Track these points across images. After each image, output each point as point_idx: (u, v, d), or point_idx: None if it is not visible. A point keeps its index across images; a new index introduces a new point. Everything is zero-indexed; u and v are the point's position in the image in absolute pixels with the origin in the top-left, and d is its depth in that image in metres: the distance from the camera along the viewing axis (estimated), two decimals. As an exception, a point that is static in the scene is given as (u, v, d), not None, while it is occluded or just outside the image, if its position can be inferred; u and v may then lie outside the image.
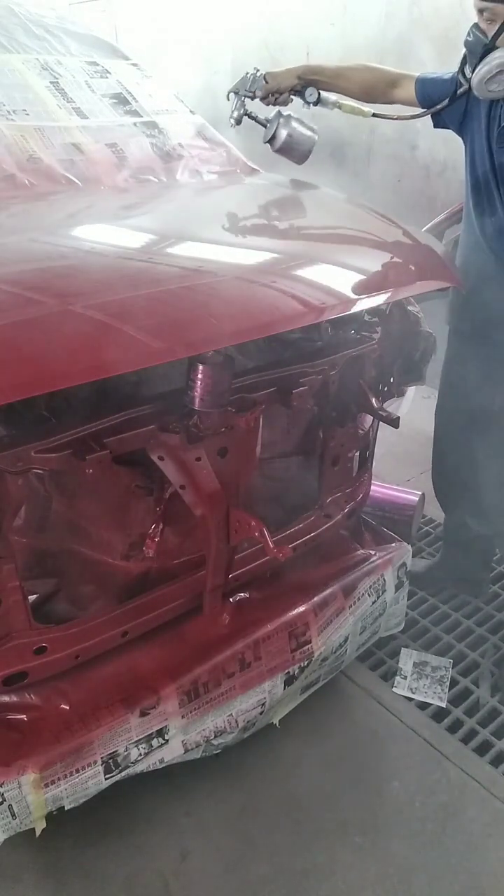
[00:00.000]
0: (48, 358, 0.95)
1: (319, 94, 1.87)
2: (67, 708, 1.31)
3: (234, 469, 1.33)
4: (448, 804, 1.65)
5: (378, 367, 1.67)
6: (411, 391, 1.91)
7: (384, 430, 1.74)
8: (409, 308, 1.75)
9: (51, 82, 1.85)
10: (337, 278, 1.32)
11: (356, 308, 1.29)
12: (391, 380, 1.77)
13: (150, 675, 1.39)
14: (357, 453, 1.73)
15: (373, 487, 1.94)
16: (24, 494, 1.16)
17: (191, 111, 2.12)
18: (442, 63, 3.18)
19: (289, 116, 1.89)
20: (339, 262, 1.40)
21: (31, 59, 1.89)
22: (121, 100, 1.96)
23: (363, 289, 1.30)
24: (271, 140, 1.90)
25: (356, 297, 1.26)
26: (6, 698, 1.30)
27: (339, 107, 1.88)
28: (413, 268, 1.46)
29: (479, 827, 1.60)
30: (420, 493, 2.56)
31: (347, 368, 1.54)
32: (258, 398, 1.34)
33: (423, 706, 1.88)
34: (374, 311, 1.62)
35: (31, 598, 1.28)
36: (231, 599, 1.56)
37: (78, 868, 1.51)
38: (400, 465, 2.94)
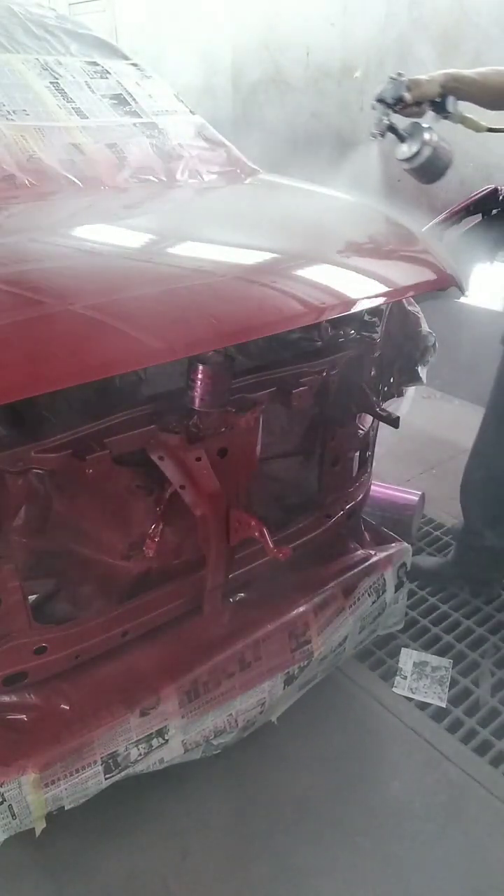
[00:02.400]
0: (48, 358, 0.95)
1: (457, 105, 1.69)
2: (67, 708, 1.31)
3: (234, 469, 1.33)
4: (448, 804, 1.65)
5: (378, 367, 1.67)
6: (411, 391, 1.91)
7: (384, 430, 1.74)
8: (409, 308, 1.75)
9: (51, 82, 1.85)
10: (337, 278, 1.32)
11: (356, 308, 1.29)
12: (391, 380, 1.77)
13: (150, 675, 1.39)
14: (357, 453, 1.74)
15: (373, 487, 1.94)
16: (24, 494, 1.16)
17: (191, 111, 2.12)
18: (442, 63, 3.18)
19: (431, 131, 1.71)
20: (339, 262, 1.40)
21: (31, 59, 1.89)
22: (121, 100, 1.96)
23: (363, 289, 1.29)
24: (413, 157, 1.71)
25: (356, 297, 1.26)
26: (6, 698, 1.30)
27: (463, 121, 1.73)
28: (413, 268, 1.46)
29: (479, 827, 1.60)
30: (420, 493, 2.56)
31: (347, 368, 1.54)
32: (258, 398, 1.34)
33: (423, 706, 1.88)
34: (374, 311, 1.62)
35: (31, 598, 1.28)
36: (231, 599, 1.56)
37: (78, 868, 1.51)
38: (400, 465, 2.95)
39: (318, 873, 1.51)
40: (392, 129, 1.69)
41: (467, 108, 1.75)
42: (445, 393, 3.66)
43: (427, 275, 1.43)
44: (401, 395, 1.83)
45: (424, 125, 1.71)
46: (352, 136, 3.63)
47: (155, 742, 1.36)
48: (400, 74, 1.67)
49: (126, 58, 2.14)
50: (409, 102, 1.66)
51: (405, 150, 1.72)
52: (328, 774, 1.71)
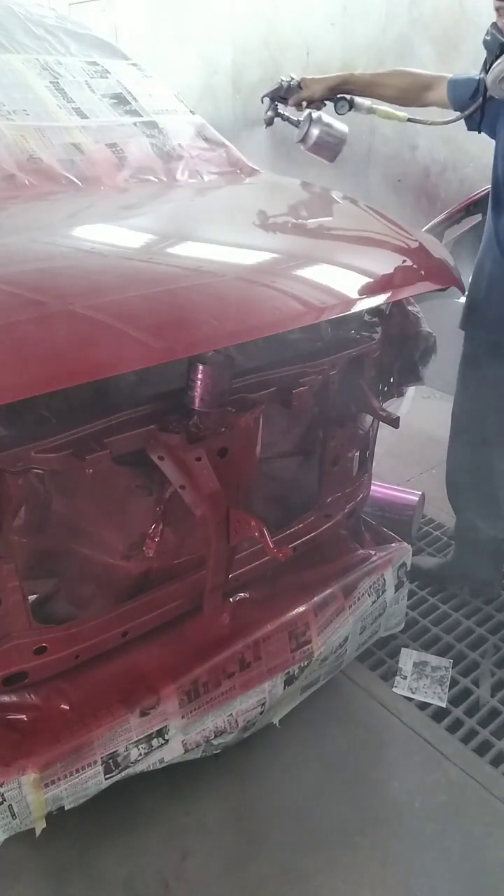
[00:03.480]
0: (48, 358, 0.95)
1: (352, 102, 1.88)
2: (67, 708, 1.31)
3: (234, 469, 1.33)
4: (448, 804, 1.65)
5: (378, 367, 1.67)
6: (411, 391, 1.91)
7: (384, 430, 1.74)
8: (409, 308, 1.75)
9: (51, 82, 1.85)
10: (337, 278, 1.32)
11: (356, 308, 1.29)
12: (391, 380, 1.77)
13: (150, 675, 1.39)
14: (357, 453, 1.74)
15: (373, 487, 1.94)
16: (24, 494, 1.16)
17: (191, 111, 2.12)
18: (442, 63, 3.18)
19: (319, 115, 1.92)
20: (339, 262, 1.40)
21: (31, 59, 1.89)
22: (121, 100, 1.96)
23: (363, 289, 1.30)
24: (303, 139, 1.93)
25: (356, 297, 1.26)
26: (6, 698, 1.30)
27: (374, 112, 1.89)
28: (413, 268, 1.46)
29: (479, 827, 1.60)
30: (420, 493, 2.56)
31: (347, 368, 1.54)
32: (258, 398, 1.34)
33: (423, 706, 1.88)
34: (374, 311, 1.62)
35: (31, 598, 1.28)
36: (231, 599, 1.56)
37: (78, 868, 1.51)
38: (400, 465, 2.95)
39: (318, 873, 1.51)
40: (282, 117, 1.96)
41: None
42: (445, 393, 3.66)
43: (427, 275, 1.43)
44: (401, 395, 1.83)
45: (315, 113, 1.92)
46: (352, 136, 3.62)
47: (155, 742, 1.36)
48: (292, 77, 1.91)
49: (126, 58, 2.14)
50: (292, 103, 1.92)
51: (298, 134, 1.95)
52: (328, 774, 1.71)
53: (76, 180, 1.67)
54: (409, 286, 1.39)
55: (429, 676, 1.96)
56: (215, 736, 1.44)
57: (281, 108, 1.94)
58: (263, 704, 1.50)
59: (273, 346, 1.52)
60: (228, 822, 1.60)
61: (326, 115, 1.93)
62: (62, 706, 1.31)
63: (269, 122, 1.96)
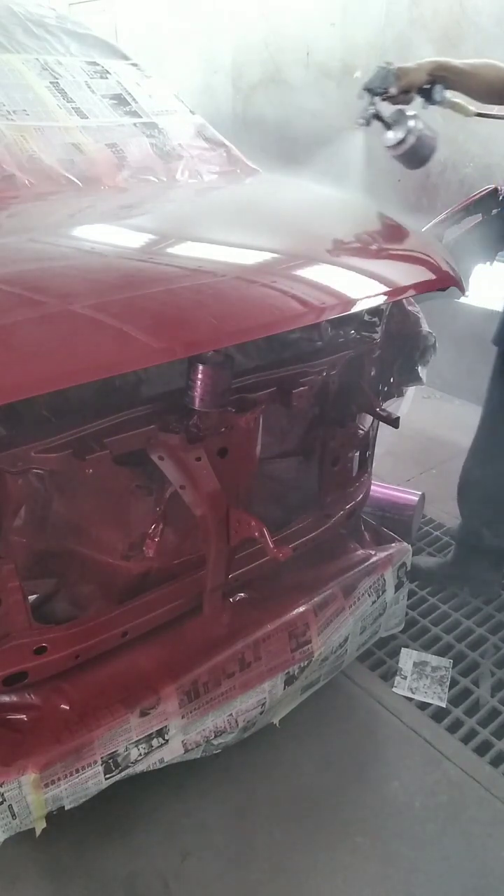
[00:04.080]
0: (48, 358, 0.95)
1: (444, 93, 1.72)
2: (67, 708, 1.31)
3: (234, 469, 1.33)
4: (448, 804, 1.65)
5: (378, 367, 1.67)
6: (411, 391, 1.92)
7: (384, 430, 1.74)
8: (409, 308, 1.75)
9: (51, 82, 1.85)
10: (337, 278, 1.32)
11: (356, 308, 1.29)
12: (391, 380, 1.77)
13: (150, 675, 1.39)
14: (357, 453, 1.74)
15: (373, 487, 1.94)
16: (24, 494, 1.16)
17: (191, 111, 2.12)
18: (442, 63, 3.18)
19: (416, 118, 1.74)
20: (339, 262, 1.40)
21: (31, 59, 1.89)
22: (121, 100, 1.96)
23: (363, 289, 1.29)
24: (398, 143, 1.74)
25: (356, 297, 1.26)
26: (6, 698, 1.30)
27: (453, 106, 1.76)
28: (413, 268, 1.46)
29: (479, 827, 1.60)
30: (420, 493, 2.56)
31: (347, 368, 1.54)
32: (258, 398, 1.34)
33: (423, 706, 1.88)
34: (374, 311, 1.62)
35: (31, 598, 1.28)
36: (231, 599, 1.56)
37: (78, 868, 1.51)
38: (400, 465, 2.95)
39: (318, 873, 1.51)
40: (378, 117, 1.72)
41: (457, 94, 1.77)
42: (445, 393, 3.66)
43: (427, 275, 1.43)
44: (401, 395, 1.83)
45: (409, 113, 1.73)
46: (352, 136, 3.62)
47: (155, 742, 1.36)
48: (388, 63, 1.70)
49: (126, 58, 2.14)
50: (394, 93, 1.70)
51: (391, 137, 1.75)
52: (328, 774, 1.71)
53: (76, 180, 1.67)
54: (409, 286, 1.39)
55: (429, 676, 1.96)
56: (215, 736, 1.44)
57: (378, 102, 1.70)
58: (263, 704, 1.50)
59: (273, 346, 1.52)
60: (228, 822, 1.60)
61: (422, 120, 1.74)
62: (62, 706, 1.31)
63: (369, 122, 1.72)
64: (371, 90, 1.70)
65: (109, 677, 1.37)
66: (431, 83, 1.71)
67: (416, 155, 1.77)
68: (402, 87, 1.70)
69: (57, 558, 1.30)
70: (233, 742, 1.51)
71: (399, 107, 1.74)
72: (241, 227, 1.60)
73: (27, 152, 1.65)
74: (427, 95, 1.73)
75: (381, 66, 1.70)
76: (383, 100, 1.71)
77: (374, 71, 1.71)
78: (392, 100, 1.72)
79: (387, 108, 1.74)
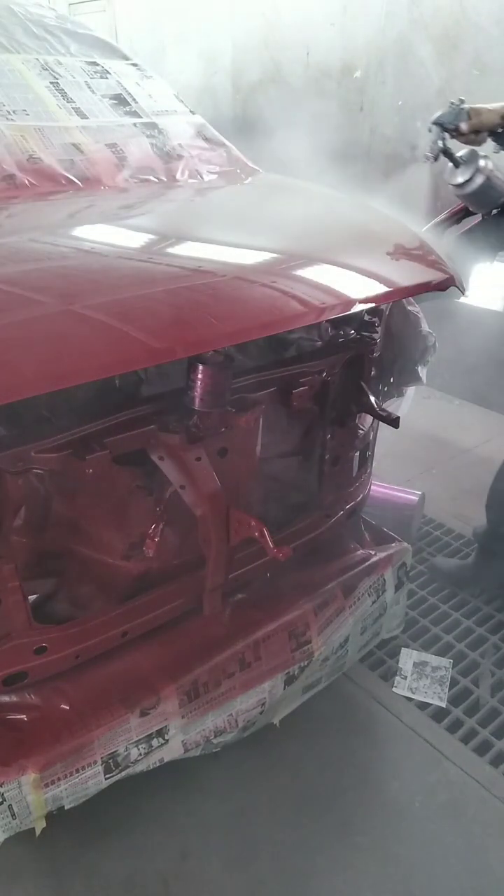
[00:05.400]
0: (48, 358, 0.95)
1: None
2: (67, 708, 1.31)
3: (234, 469, 1.33)
4: (448, 804, 1.65)
5: (378, 367, 1.67)
6: (411, 391, 1.92)
7: (384, 430, 1.74)
8: (409, 308, 1.75)
9: (51, 82, 1.85)
10: (337, 278, 1.32)
11: (356, 308, 1.29)
12: (391, 380, 1.77)
13: (150, 675, 1.39)
14: (357, 453, 1.73)
15: (373, 487, 1.94)
16: (24, 494, 1.16)
17: (191, 111, 2.12)
18: (442, 63, 3.18)
19: (486, 159, 1.71)
20: (339, 262, 1.40)
21: (31, 59, 1.89)
22: (121, 100, 1.96)
23: (363, 289, 1.29)
24: (465, 183, 1.72)
25: (356, 297, 1.26)
26: (6, 698, 1.30)
27: None
28: (413, 268, 1.46)
29: (479, 827, 1.60)
30: (420, 493, 2.56)
31: (347, 368, 1.54)
32: (258, 398, 1.34)
33: (423, 706, 1.88)
34: (374, 311, 1.62)
35: (31, 598, 1.28)
36: (231, 599, 1.56)
37: (78, 868, 1.51)
38: (400, 465, 2.95)
39: (318, 873, 1.51)
40: (446, 153, 1.70)
41: None
42: (445, 393, 3.66)
43: (427, 275, 1.43)
44: (401, 395, 1.83)
45: (481, 153, 1.70)
46: (352, 135, 3.63)
47: (155, 742, 1.36)
48: (461, 101, 1.67)
49: (126, 58, 2.14)
50: (465, 131, 1.67)
51: (458, 176, 1.72)
52: (328, 774, 1.71)
53: (76, 180, 1.67)
54: (409, 286, 1.39)
55: (429, 676, 1.96)
56: (215, 736, 1.45)
57: (446, 138, 1.69)
58: (263, 704, 1.50)
59: (273, 346, 1.52)
60: (228, 822, 1.60)
61: (493, 162, 1.71)
62: (62, 706, 1.31)
63: (437, 158, 1.70)
64: (441, 125, 1.68)
65: (109, 677, 1.37)
66: None
67: (482, 197, 1.74)
68: (472, 127, 1.67)
69: (57, 558, 1.30)
70: (233, 741, 1.51)
71: (470, 147, 1.72)
72: (240, 227, 1.60)
73: (27, 152, 1.65)
74: (499, 139, 1.69)
75: (453, 102, 1.68)
76: (452, 137, 1.69)
77: (446, 106, 1.69)
78: (462, 138, 1.69)
79: (457, 147, 1.73)
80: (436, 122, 1.69)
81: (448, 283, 1.47)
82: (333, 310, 1.23)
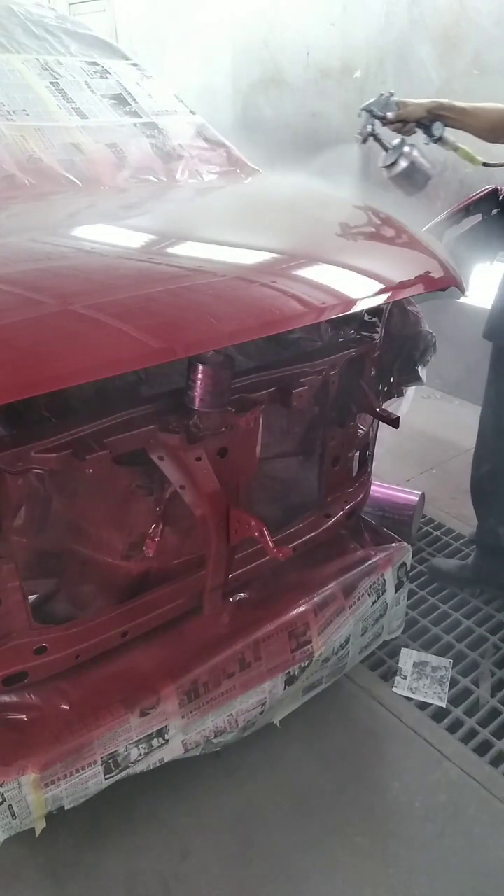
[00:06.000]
0: (48, 358, 0.95)
1: (444, 132, 1.85)
2: (67, 708, 1.31)
3: (234, 469, 1.33)
4: (448, 804, 1.65)
5: (378, 367, 1.67)
6: (411, 391, 1.91)
7: (384, 430, 1.75)
8: (409, 308, 1.75)
9: (51, 82, 1.85)
10: (337, 278, 1.32)
11: (356, 308, 1.29)
12: (391, 380, 1.77)
13: (150, 675, 1.39)
14: (357, 453, 1.73)
15: (373, 487, 1.94)
16: (24, 494, 1.16)
17: (191, 111, 2.12)
18: (442, 63, 3.18)
19: (412, 147, 1.89)
20: (339, 262, 1.40)
21: (31, 59, 1.89)
22: (121, 100, 1.96)
23: (363, 289, 1.29)
24: (390, 166, 1.91)
25: (356, 297, 1.26)
26: (6, 698, 1.30)
27: (456, 150, 1.89)
28: (413, 268, 1.46)
29: (479, 827, 1.60)
30: (420, 493, 2.56)
31: (347, 368, 1.54)
32: (258, 398, 1.34)
33: (423, 706, 1.88)
34: (374, 311, 1.62)
35: (31, 598, 1.28)
36: (231, 599, 1.56)
37: (78, 868, 1.51)
38: (400, 465, 2.95)
39: (318, 873, 1.51)
40: (375, 137, 1.89)
41: (467, 141, 1.90)
42: (445, 393, 3.66)
43: (427, 275, 1.43)
44: (401, 395, 1.83)
45: (409, 141, 1.88)
46: (351, 136, 3.62)
47: (155, 742, 1.36)
48: (391, 93, 1.85)
49: (126, 58, 2.14)
50: (391, 119, 1.85)
51: (384, 158, 1.91)
52: (328, 774, 1.71)
53: (76, 180, 1.67)
54: (409, 286, 1.39)
55: (429, 676, 1.96)
56: (215, 736, 1.45)
57: (378, 126, 1.88)
58: (264, 704, 1.50)
59: (273, 346, 1.52)
60: (228, 822, 1.60)
61: (418, 149, 1.89)
62: (62, 706, 1.31)
63: (366, 139, 1.90)
64: (370, 111, 1.87)
65: (109, 677, 1.37)
66: (430, 120, 1.84)
67: (406, 180, 1.91)
68: (398, 116, 1.85)
69: (57, 558, 1.30)
70: (232, 741, 1.51)
71: (401, 136, 1.89)
72: (240, 227, 1.60)
73: (27, 152, 1.65)
74: (427, 131, 1.86)
75: (383, 93, 1.86)
76: (384, 125, 1.86)
77: (376, 95, 1.86)
78: (392, 127, 1.87)
79: (390, 135, 1.89)
80: (365, 109, 1.89)
81: (448, 283, 1.47)
82: (333, 310, 1.23)
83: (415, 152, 1.89)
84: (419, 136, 1.88)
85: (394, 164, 1.89)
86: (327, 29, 3.66)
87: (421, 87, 3.26)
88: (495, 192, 2.03)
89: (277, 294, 1.17)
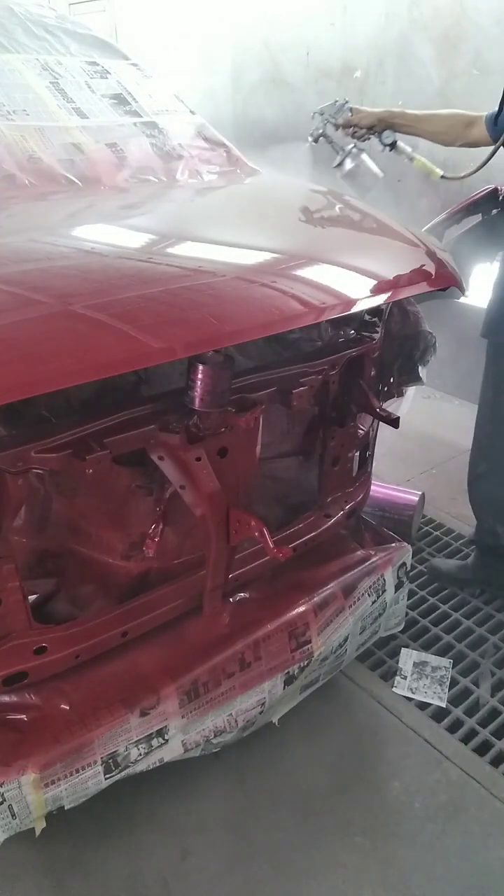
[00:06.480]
0: (48, 358, 0.95)
1: (396, 139, 2.02)
2: (67, 708, 1.31)
3: (234, 469, 1.33)
4: (448, 804, 1.65)
5: (378, 367, 1.67)
6: (411, 391, 1.92)
7: (384, 430, 1.75)
8: (409, 308, 1.75)
9: (51, 82, 1.85)
10: (337, 278, 1.32)
11: (356, 308, 1.29)
12: (391, 380, 1.77)
13: (150, 675, 1.39)
14: (357, 453, 1.73)
15: (373, 487, 1.94)
16: (24, 494, 1.16)
17: (191, 111, 2.12)
18: (442, 63, 3.18)
19: (360, 151, 2.07)
20: (339, 262, 1.40)
21: (31, 59, 1.89)
22: (121, 100, 1.96)
23: (363, 289, 1.29)
24: (338, 166, 2.09)
25: (356, 297, 1.26)
26: (6, 698, 1.30)
27: (412, 160, 2.04)
28: (413, 268, 1.46)
29: (479, 827, 1.60)
30: (420, 493, 2.57)
31: (347, 368, 1.54)
32: (258, 398, 1.34)
33: (423, 706, 1.88)
34: (374, 311, 1.62)
35: (31, 598, 1.28)
36: (231, 599, 1.56)
37: (78, 868, 1.51)
38: (400, 465, 2.95)
39: (318, 873, 1.51)
40: (327, 139, 2.07)
41: (429, 154, 2.09)
42: (445, 393, 3.66)
43: (427, 275, 1.43)
44: (401, 395, 1.83)
45: (360, 145, 2.05)
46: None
47: (155, 742, 1.36)
48: (346, 101, 2.04)
49: (126, 58, 2.14)
50: (340, 124, 2.03)
51: (336, 159, 2.10)
52: (328, 774, 1.71)
53: (76, 180, 1.67)
54: (409, 286, 1.39)
55: (429, 676, 1.96)
56: (215, 736, 1.45)
57: (329, 128, 2.06)
58: (263, 704, 1.50)
59: (273, 346, 1.52)
60: (228, 822, 1.60)
61: (368, 155, 2.06)
62: (62, 706, 1.31)
63: (316, 140, 2.07)
64: (322, 115, 2.06)
65: (109, 677, 1.37)
66: (381, 128, 2.01)
67: (355, 180, 2.09)
68: (347, 121, 2.02)
69: (57, 558, 1.30)
70: (232, 741, 1.51)
71: (354, 140, 2.06)
72: (240, 227, 1.60)
73: (27, 152, 1.65)
74: (380, 137, 2.03)
75: (337, 100, 2.04)
76: (336, 129, 2.05)
77: (330, 101, 2.06)
78: (344, 131, 2.05)
79: (345, 139, 2.08)
80: (319, 112, 2.07)
81: (448, 283, 1.47)
82: (333, 310, 1.23)
83: (362, 155, 2.06)
84: (375, 143, 2.04)
85: (340, 164, 2.08)
86: (327, 29, 3.66)
87: (421, 87, 3.27)
88: (495, 191, 2.03)
89: (277, 294, 1.17)
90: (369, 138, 2.04)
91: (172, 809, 1.62)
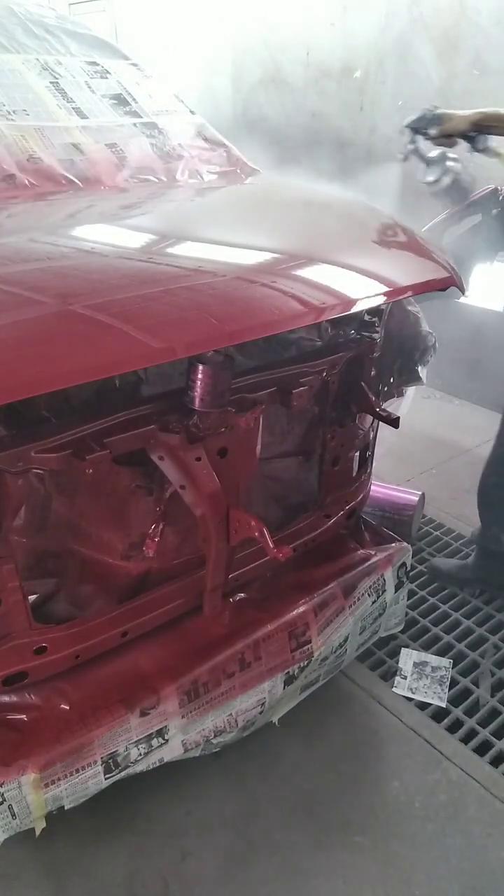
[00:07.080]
0: (48, 358, 0.95)
1: (489, 143, 1.85)
2: (67, 708, 1.31)
3: (234, 469, 1.33)
4: (448, 804, 1.65)
5: (378, 367, 1.67)
6: (411, 391, 1.92)
7: (384, 430, 1.74)
8: (409, 308, 1.75)
9: (51, 82, 1.85)
10: (337, 278, 1.32)
11: (356, 308, 1.29)
12: (391, 380, 1.77)
13: (150, 675, 1.39)
14: (357, 453, 1.73)
15: (373, 487, 1.94)
16: (24, 494, 1.16)
17: (191, 111, 2.12)
18: (442, 63, 3.18)
19: (456, 161, 1.93)
20: (339, 262, 1.40)
21: (31, 59, 1.88)
22: (121, 100, 1.96)
23: (363, 289, 1.29)
24: (433, 182, 1.95)
25: (356, 297, 1.26)
26: (6, 698, 1.30)
27: (498, 156, 1.88)
28: (413, 268, 1.46)
29: (479, 827, 1.60)
30: (420, 493, 2.57)
31: (347, 368, 1.54)
32: (258, 398, 1.34)
33: (423, 706, 1.88)
34: (374, 311, 1.62)
35: (31, 598, 1.28)
36: (231, 599, 1.56)
37: (78, 868, 1.51)
38: (400, 465, 2.95)
39: (318, 873, 1.51)
40: (417, 153, 1.89)
41: None
42: (445, 393, 3.66)
43: (427, 275, 1.43)
44: (401, 395, 1.83)
45: (451, 155, 1.89)
46: (352, 136, 3.63)
47: (155, 742, 1.36)
48: (435, 107, 1.84)
49: (126, 58, 2.14)
50: (435, 135, 1.82)
51: (429, 175, 1.92)
52: (328, 774, 1.71)
53: (76, 180, 1.67)
54: (409, 286, 1.39)
55: (429, 676, 1.96)
56: (215, 735, 1.45)
57: (421, 143, 1.89)
58: (263, 704, 1.50)
59: (273, 346, 1.52)
60: (228, 822, 1.61)
61: (461, 164, 1.93)
62: (62, 706, 1.31)
63: (407, 157, 1.92)
64: (413, 129, 1.85)
65: (109, 677, 1.37)
66: (476, 132, 1.81)
67: (453, 194, 1.95)
68: (442, 132, 1.82)
69: (57, 558, 1.30)
70: (232, 741, 1.51)
71: (442, 149, 1.89)
72: (240, 227, 1.60)
73: (27, 152, 1.65)
74: (472, 143, 1.84)
75: (426, 108, 1.84)
76: (426, 139, 1.86)
77: (418, 111, 1.85)
78: (434, 141, 1.85)
79: (429, 147, 1.91)
80: (408, 126, 1.88)
81: (448, 283, 1.47)
82: (333, 310, 1.23)
83: (458, 167, 1.92)
84: (462, 145, 1.87)
85: (437, 181, 1.93)
86: (327, 29, 3.66)
87: (421, 87, 3.27)
88: (495, 191, 2.03)
89: (277, 294, 1.17)
90: (458, 143, 1.87)
91: (172, 809, 1.62)
